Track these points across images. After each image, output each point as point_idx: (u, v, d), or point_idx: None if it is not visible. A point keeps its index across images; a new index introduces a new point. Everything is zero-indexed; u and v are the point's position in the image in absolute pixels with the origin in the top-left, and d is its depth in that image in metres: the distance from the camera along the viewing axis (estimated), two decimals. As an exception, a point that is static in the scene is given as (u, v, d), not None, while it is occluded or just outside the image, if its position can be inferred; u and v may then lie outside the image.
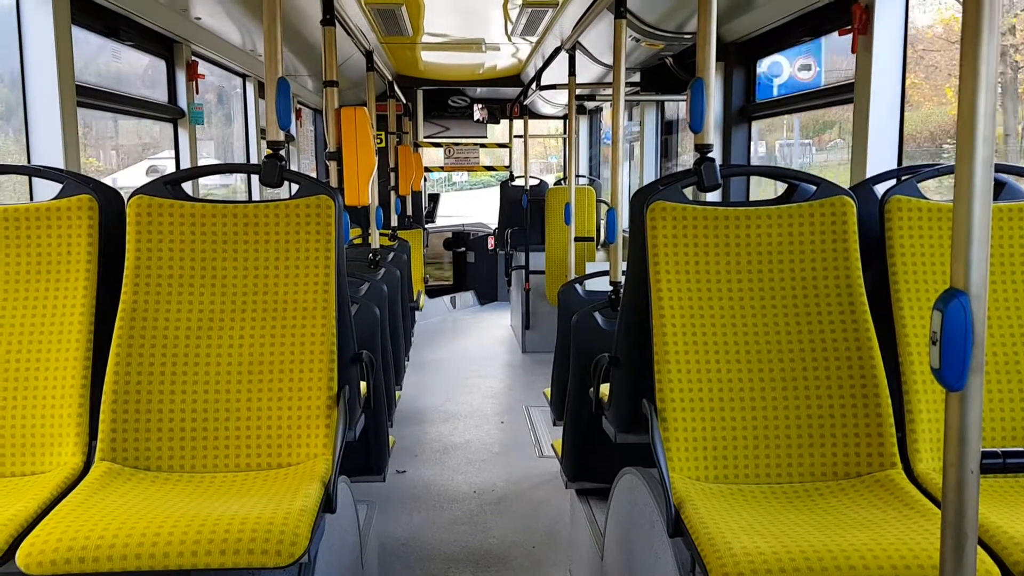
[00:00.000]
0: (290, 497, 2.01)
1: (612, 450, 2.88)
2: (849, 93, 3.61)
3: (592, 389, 2.85)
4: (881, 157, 3.44)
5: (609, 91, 7.47)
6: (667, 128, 7.44)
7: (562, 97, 8.72)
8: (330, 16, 3.80)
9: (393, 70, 8.80)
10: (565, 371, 3.72)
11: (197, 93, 4.99)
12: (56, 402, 2.37)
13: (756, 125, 5.22)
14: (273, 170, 2.51)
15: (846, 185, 2.51)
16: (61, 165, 3.23)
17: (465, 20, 6.24)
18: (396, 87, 8.01)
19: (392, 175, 8.03)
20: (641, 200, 2.44)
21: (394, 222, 7.59)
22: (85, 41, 3.94)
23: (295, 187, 2.56)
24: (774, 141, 6.11)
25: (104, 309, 2.47)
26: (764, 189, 5.24)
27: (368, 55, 5.66)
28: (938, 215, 2.38)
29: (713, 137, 2.55)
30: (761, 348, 2.31)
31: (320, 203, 2.48)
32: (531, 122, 9.17)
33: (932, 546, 1.75)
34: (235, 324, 2.43)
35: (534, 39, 6.78)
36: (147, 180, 2.71)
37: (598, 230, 8.39)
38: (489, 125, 10.96)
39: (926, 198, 2.41)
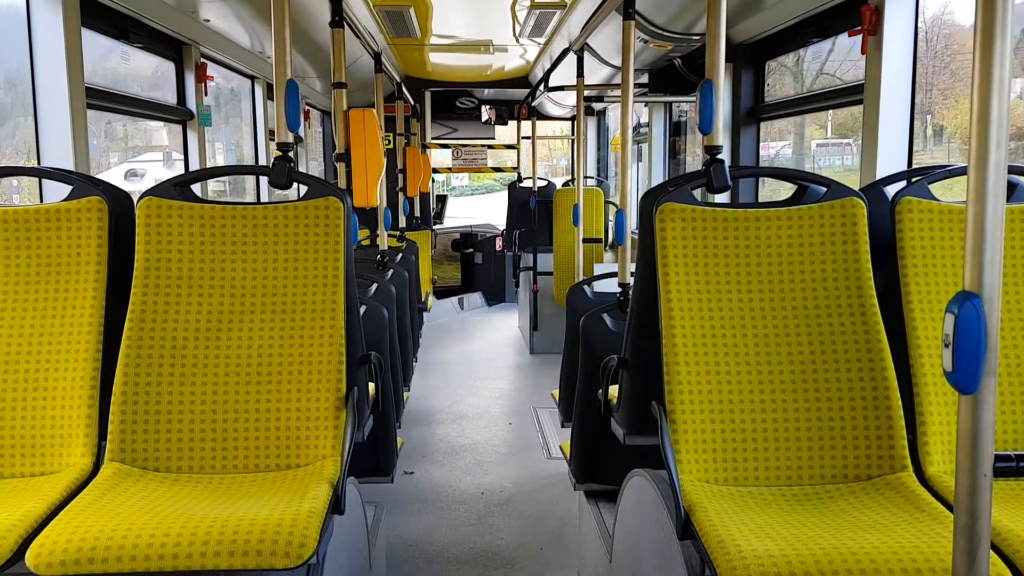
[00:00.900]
0: (299, 498, 2.01)
1: (621, 452, 2.87)
2: (859, 94, 3.60)
3: (601, 391, 2.85)
4: (892, 158, 3.43)
5: (617, 92, 7.47)
6: (675, 129, 7.43)
7: (570, 98, 8.72)
8: (338, 18, 3.80)
9: (401, 71, 8.81)
10: (573, 373, 3.71)
11: (206, 95, 5.01)
12: (66, 403, 2.38)
13: (779, 123, 5.16)
14: (282, 172, 2.52)
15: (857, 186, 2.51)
16: (71, 167, 3.24)
17: (473, 22, 6.24)
18: (404, 88, 8.02)
19: (400, 176, 8.03)
20: (650, 201, 2.44)
21: (402, 223, 7.59)
22: (95, 43, 3.96)
23: (304, 188, 2.56)
24: (807, 140, 5.91)
25: (113, 310, 2.48)
26: (772, 191, 5.23)
27: (376, 57, 5.66)
28: (949, 216, 2.36)
29: (722, 139, 2.54)
30: (771, 350, 2.30)
31: (329, 204, 2.48)
32: (539, 123, 9.16)
33: (944, 550, 1.74)
34: (244, 325, 2.43)
35: (542, 40, 6.78)
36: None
37: (606, 231, 8.38)
38: (497, 126, 10.96)
39: (937, 199, 2.40)
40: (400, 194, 7.89)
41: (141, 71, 4.79)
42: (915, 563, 1.71)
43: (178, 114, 4.87)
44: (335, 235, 2.48)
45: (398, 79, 7.63)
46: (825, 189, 2.42)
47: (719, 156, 2.49)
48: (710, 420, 2.25)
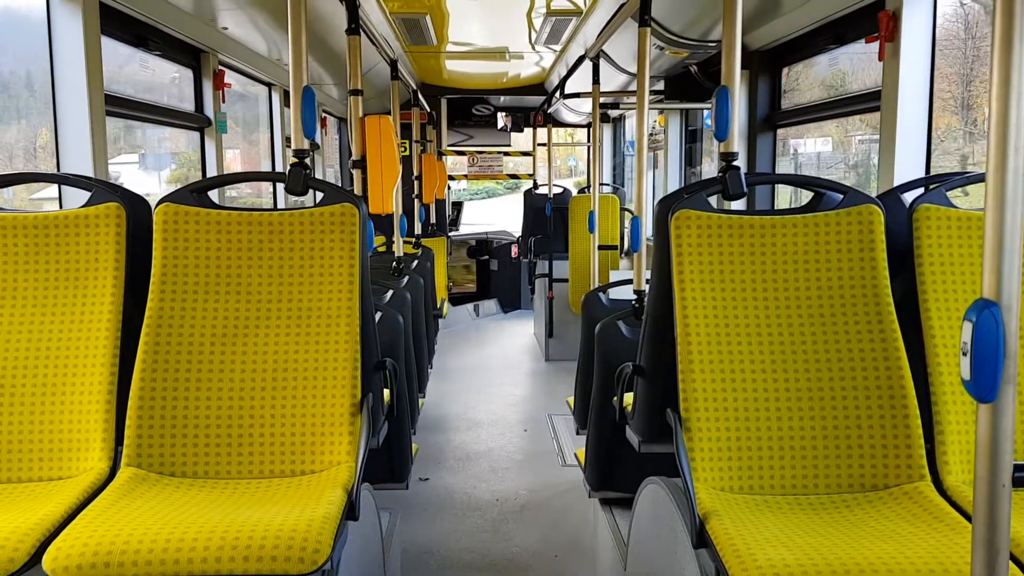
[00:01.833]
0: (313, 504, 2.02)
1: (636, 459, 2.86)
2: (876, 101, 3.58)
3: (616, 398, 2.84)
4: (909, 165, 3.41)
5: (633, 99, 7.46)
6: (691, 136, 7.42)
7: (586, 105, 8.72)
8: (355, 25, 3.82)
9: (417, 79, 8.84)
10: (588, 380, 3.70)
11: (224, 102, 5.04)
12: (83, 408, 2.39)
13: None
14: (298, 178, 2.53)
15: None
16: (90, 173, 3.26)
17: (489, 29, 6.25)
18: (420, 96, 8.04)
19: (416, 183, 8.05)
20: (666, 208, 2.43)
21: (418, 230, 7.61)
22: (115, 51, 3.99)
23: (320, 195, 2.57)
24: (843, 138, 5.67)
25: (131, 316, 2.49)
26: (790, 198, 5.20)
27: (392, 64, 5.68)
28: (967, 224, 2.35)
29: (738, 145, 2.53)
30: (787, 358, 2.29)
31: (344, 211, 2.49)
32: (555, 130, 9.16)
33: (962, 560, 1.73)
34: (260, 331, 2.44)
35: (558, 48, 6.78)
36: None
37: (622, 238, 8.37)
38: (513, 134, 10.98)
39: (955, 207, 2.38)
40: (416, 201, 7.90)
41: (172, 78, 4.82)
42: (933, 574, 1.69)
43: (196, 121, 4.90)
44: (351, 241, 2.48)
45: (414, 86, 7.66)
46: (842, 196, 2.41)
47: (735, 163, 2.48)
48: (725, 428, 2.24)
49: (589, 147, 11.10)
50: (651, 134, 8.11)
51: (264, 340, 2.43)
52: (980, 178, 2.47)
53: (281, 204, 6.33)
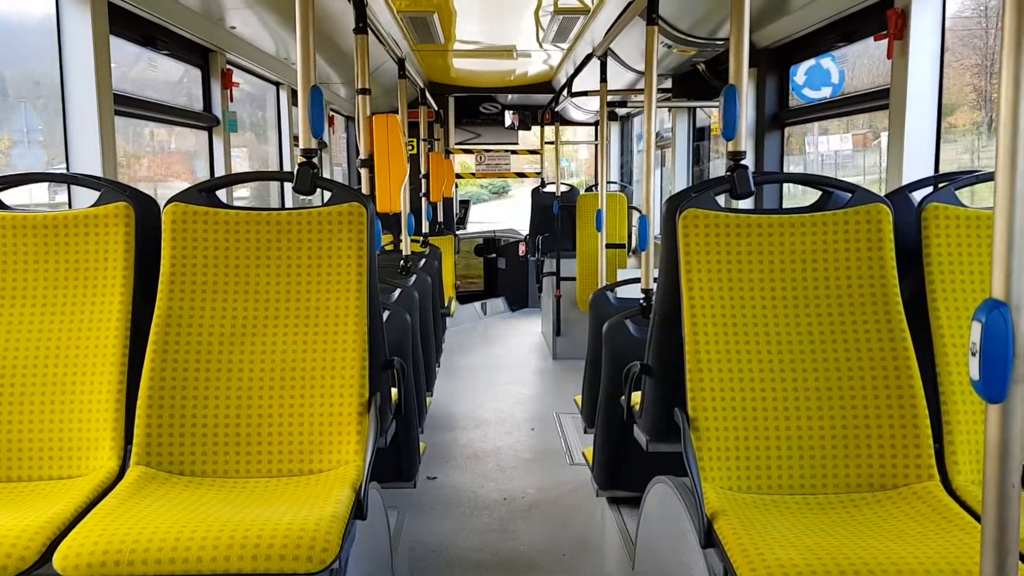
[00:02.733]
0: (321, 503, 2.02)
1: (644, 458, 2.86)
2: (885, 99, 3.56)
3: (624, 397, 2.84)
4: (918, 163, 3.39)
5: (641, 97, 7.45)
6: (699, 134, 7.41)
7: (593, 104, 8.71)
8: (363, 24, 3.82)
9: (425, 77, 8.84)
10: (596, 379, 3.70)
11: (232, 101, 5.05)
12: (92, 407, 2.40)
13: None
14: (306, 178, 2.53)
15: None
16: (99, 173, 3.28)
17: (496, 27, 6.25)
18: (428, 94, 8.05)
19: (423, 182, 8.06)
20: (673, 207, 2.43)
21: (425, 228, 7.61)
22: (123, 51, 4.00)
23: (328, 194, 2.57)
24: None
25: (139, 315, 2.50)
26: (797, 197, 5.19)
27: (400, 62, 5.69)
28: (976, 223, 2.34)
29: (746, 144, 2.53)
30: (795, 357, 2.29)
31: (352, 210, 2.49)
32: (562, 129, 9.16)
33: (971, 560, 1.72)
34: (268, 330, 2.45)
35: (565, 46, 6.78)
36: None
37: (629, 237, 8.36)
38: (520, 132, 10.97)
39: (964, 205, 2.37)
40: (423, 199, 7.91)
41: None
42: (942, 574, 1.69)
43: (204, 120, 4.92)
44: (359, 240, 2.49)
45: (422, 84, 7.66)
46: (850, 195, 2.40)
47: (742, 162, 2.47)
48: (733, 427, 2.24)
49: (596, 145, 11.10)
50: (659, 132, 8.10)
51: (273, 339, 2.44)
52: (989, 177, 2.46)
53: (289, 204, 6.35)
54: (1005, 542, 1.30)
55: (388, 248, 6.49)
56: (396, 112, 5.16)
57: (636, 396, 2.83)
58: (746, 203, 3.07)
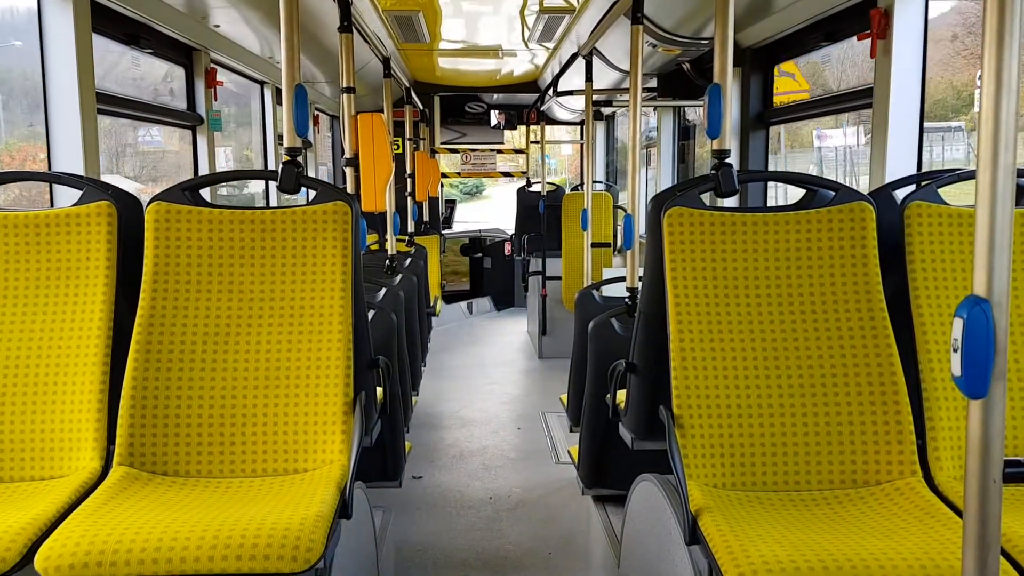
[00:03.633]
0: (306, 503, 2.02)
1: (629, 456, 2.87)
2: (868, 98, 3.59)
3: (609, 395, 2.84)
4: (901, 162, 3.41)
5: (626, 97, 7.46)
6: (684, 134, 7.43)
7: (579, 103, 8.73)
8: (347, 23, 3.81)
9: (410, 76, 8.83)
10: (582, 377, 3.71)
11: (216, 100, 5.03)
12: (75, 407, 2.39)
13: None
14: (291, 177, 2.52)
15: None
16: (81, 171, 3.25)
17: (482, 26, 6.25)
18: (413, 93, 8.03)
19: (409, 181, 8.04)
20: (658, 206, 2.44)
21: (411, 228, 7.60)
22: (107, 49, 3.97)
23: (312, 193, 2.56)
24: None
25: (122, 315, 2.49)
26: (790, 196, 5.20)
27: (385, 62, 5.67)
28: (958, 220, 2.36)
29: (730, 143, 2.54)
30: (779, 355, 2.30)
31: (337, 209, 2.49)
32: (548, 128, 9.16)
33: (953, 556, 1.73)
34: (252, 330, 2.44)
35: (551, 45, 6.78)
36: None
37: (615, 236, 8.37)
38: (506, 131, 10.98)
39: (947, 203, 2.39)
40: (409, 198, 7.89)
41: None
42: (924, 569, 1.70)
43: (188, 119, 4.89)
44: (343, 240, 2.48)
45: (407, 84, 7.65)
46: (833, 193, 2.42)
47: (727, 160, 2.48)
48: (718, 425, 2.25)
49: (582, 144, 11.11)
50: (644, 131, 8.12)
51: (257, 339, 2.43)
52: (971, 175, 2.48)
53: (274, 202, 6.32)
54: (986, 537, 1.31)
55: (373, 247, 6.47)
56: (381, 111, 5.15)
57: (621, 394, 2.83)
58: (730, 201, 3.08)
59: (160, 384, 2.36)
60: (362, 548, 2.60)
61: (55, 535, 1.85)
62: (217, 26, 4.86)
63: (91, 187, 2.57)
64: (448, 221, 11.36)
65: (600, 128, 10.83)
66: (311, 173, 7.93)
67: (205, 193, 2.61)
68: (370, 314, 3.36)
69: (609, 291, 4.32)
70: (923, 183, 2.51)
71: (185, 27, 4.45)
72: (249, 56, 5.68)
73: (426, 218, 9.74)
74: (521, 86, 9.55)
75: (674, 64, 6.19)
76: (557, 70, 7.16)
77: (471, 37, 6.69)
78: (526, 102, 10.07)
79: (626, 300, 3.67)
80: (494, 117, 10.64)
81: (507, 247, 10.90)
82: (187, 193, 2.51)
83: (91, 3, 3.35)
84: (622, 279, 4.02)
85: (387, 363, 2.70)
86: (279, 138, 6.50)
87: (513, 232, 10.52)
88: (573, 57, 6.17)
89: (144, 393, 2.34)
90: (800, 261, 2.35)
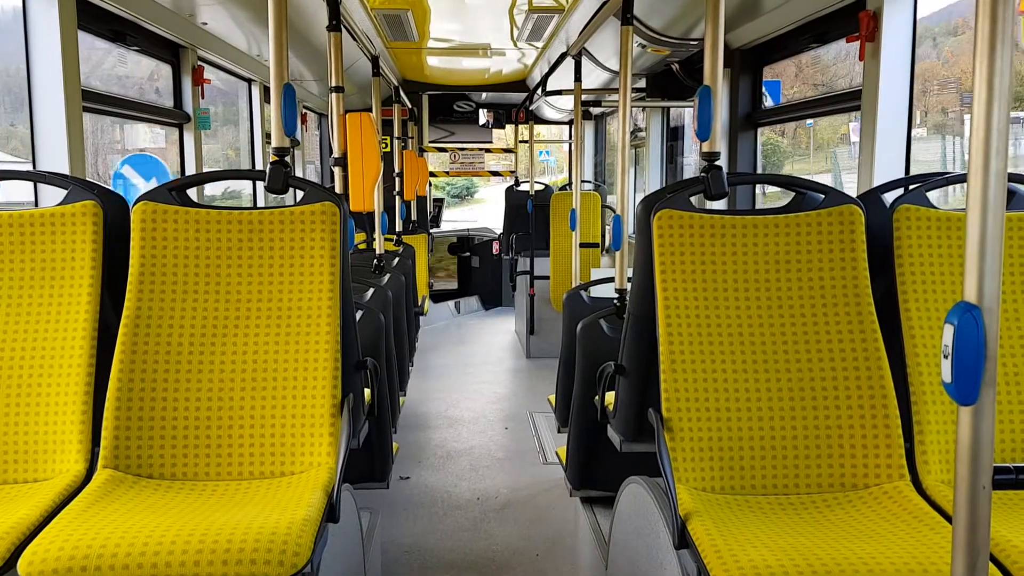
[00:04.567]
0: (293, 506, 2.00)
1: (617, 458, 2.86)
2: (856, 100, 3.59)
3: (597, 397, 2.84)
4: (889, 165, 3.42)
5: (614, 97, 7.46)
6: (672, 134, 7.43)
7: (568, 102, 8.73)
8: (336, 22, 3.79)
9: (399, 75, 8.81)
10: (570, 378, 3.70)
11: (203, 98, 4.99)
12: (59, 408, 2.36)
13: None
14: (278, 177, 2.50)
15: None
16: (66, 170, 3.22)
17: (471, 25, 6.24)
18: (402, 92, 8.01)
19: (397, 180, 8.02)
20: (648, 208, 2.43)
21: (399, 227, 7.58)
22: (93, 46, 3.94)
23: (300, 193, 2.55)
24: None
25: (108, 315, 2.47)
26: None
27: (374, 60, 5.66)
28: (947, 224, 2.36)
29: (720, 145, 2.53)
30: (768, 358, 2.30)
31: (325, 209, 2.47)
32: (536, 127, 9.15)
33: (942, 560, 1.74)
34: (239, 331, 2.42)
35: (540, 44, 6.77)
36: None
37: (603, 235, 8.38)
38: (494, 130, 10.97)
39: (936, 207, 2.39)
40: (397, 198, 7.87)
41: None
42: (913, 574, 1.70)
43: (175, 117, 4.86)
44: (331, 240, 2.47)
45: (396, 82, 7.62)
46: (823, 196, 2.42)
47: (717, 163, 2.48)
48: (707, 428, 2.24)
49: (570, 144, 11.12)
50: (633, 131, 8.12)
51: (244, 340, 2.41)
52: (960, 179, 2.48)
53: (261, 202, 6.29)
54: (976, 544, 1.31)
55: (361, 247, 6.45)
56: (370, 110, 5.13)
57: (610, 396, 2.83)
58: (720, 203, 3.08)
59: (146, 386, 2.34)
60: (349, 551, 2.59)
61: (39, 539, 1.83)
62: (205, 23, 4.83)
63: (76, 186, 2.54)
64: (436, 220, 11.34)
65: (589, 128, 10.83)
66: (299, 171, 7.90)
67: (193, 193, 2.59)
68: (358, 314, 3.34)
69: (597, 292, 4.32)
70: (912, 187, 2.51)
71: (172, 24, 4.42)
72: (237, 54, 5.65)
73: (414, 217, 9.72)
74: (510, 85, 9.54)
75: (663, 65, 6.19)
76: (546, 69, 7.16)
77: (460, 36, 6.68)
78: (515, 101, 10.07)
79: (615, 301, 3.66)
80: (483, 116, 10.63)
81: (495, 246, 10.88)
82: (173, 193, 2.49)
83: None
84: (611, 280, 4.02)
85: (375, 364, 2.69)
86: (267, 136, 6.48)
87: (501, 231, 10.52)
88: (562, 57, 6.17)
89: (129, 395, 2.32)
90: (790, 264, 2.35)
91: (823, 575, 1.71)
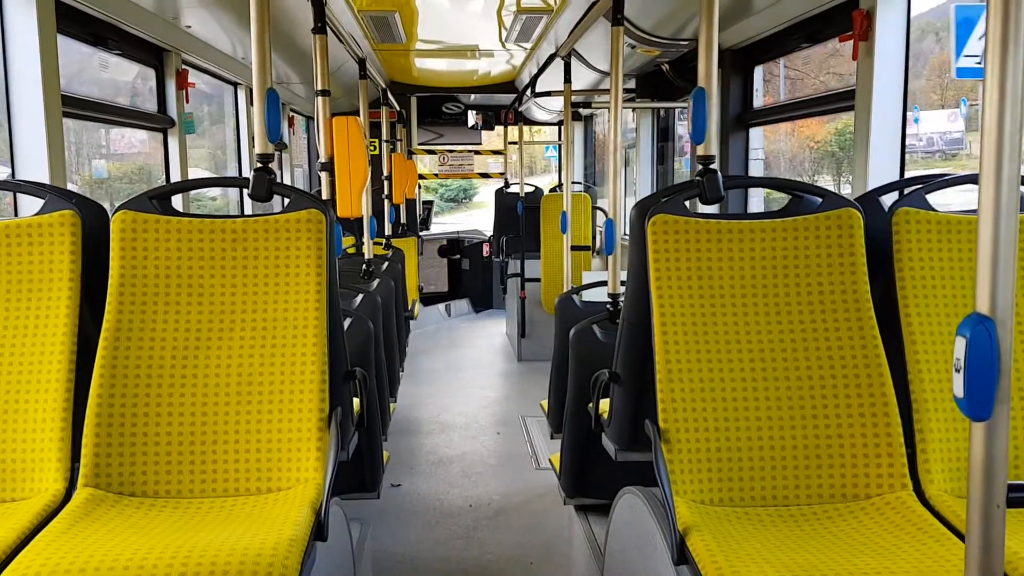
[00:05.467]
0: (279, 525, 1.94)
1: (612, 466, 2.81)
2: (850, 100, 3.55)
3: (592, 405, 2.78)
4: (884, 167, 3.38)
5: (604, 98, 7.41)
6: (663, 135, 7.39)
7: (557, 103, 8.68)
8: (321, 24, 3.73)
9: (386, 77, 8.74)
10: (563, 383, 3.65)
11: (188, 102, 4.92)
12: (37, 425, 2.29)
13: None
14: (262, 184, 2.44)
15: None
16: (46, 178, 3.15)
17: (459, 27, 6.18)
18: (389, 94, 7.95)
19: (386, 183, 7.96)
20: (642, 213, 2.38)
21: (388, 230, 7.51)
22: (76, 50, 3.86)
23: (286, 200, 2.49)
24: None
25: (87, 328, 2.39)
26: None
27: (361, 62, 5.59)
28: (948, 228, 2.31)
29: (715, 148, 2.48)
30: (767, 365, 2.25)
31: (311, 217, 2.41)
32: (526, 129, 9.11)
33: (946, 573, 1.69)
34: (223, 344, 2.35)
35: (529, 45, 6.72)
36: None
37: (594, 236, 8.33)
38: (484, 132, 10.92)
39: (935, 210, 2.35)
40: (386, 201, 7.81)
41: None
42: None
43: (159, 122, 4.78)
44: (318, 249, 2.40)
45: (383, 84, 7.56)
46: (820, 200, 2.37)
47: (712, 166, 2.43)
48: (704, 439, 2.19)
49: (560, 145, 11.07)
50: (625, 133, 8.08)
51: (228, 353, 2.35)
52: (960, 181, 2.44)
53: (248, 208, 6.22)
54: (990, 564, 1.26)
55: (350, 251, 6.39)
56: (357, 113, 5.07)
57: (604, 404, 2.77)
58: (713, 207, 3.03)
59: (127, 401, 2.27)
60: (339, 566, 2.52)
61: (17, 561, 1.77)
62: (188, 27, 4.76)
63: (53, 196, 2.47)
64: (426, 223, 11.28)
65: (579, 129, 10.79)
66: (286, 175, 7.83)
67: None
68: (347, 322, 3.28)
69: (590, 296, 4.26)
70: (910, 189, 2.46)
71: (155, 28, 4.35)
72: (222, 57, 5.57)
73: (403, 220, 9.65)
74: (499, 86, 9.48)
75: (653, 65, 6.15)
76: (535, 71, 7.10)
77: (448, 37, 6.62)
78: (504, 103, 10.02)
79: (608, 306, 3.61)
80: (471, 118, 10.57)
81: (486, 248, 10.83)
82: (154, 201, 2.42)
83: (55, 3, 3.25)
84: (603, 283, 3.96)
85: (364, 374, 2.63)
86: (252, 140, 6.40)
87: (492, 233, 10.46)
88: (551, 58, 6.12)
89: (110, 411, 2.25)
90: (787, 270, 2.30)
91: None
